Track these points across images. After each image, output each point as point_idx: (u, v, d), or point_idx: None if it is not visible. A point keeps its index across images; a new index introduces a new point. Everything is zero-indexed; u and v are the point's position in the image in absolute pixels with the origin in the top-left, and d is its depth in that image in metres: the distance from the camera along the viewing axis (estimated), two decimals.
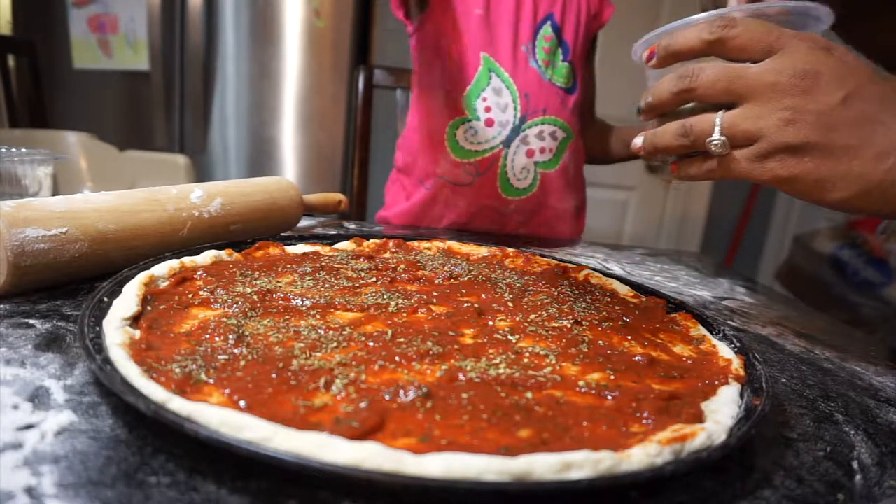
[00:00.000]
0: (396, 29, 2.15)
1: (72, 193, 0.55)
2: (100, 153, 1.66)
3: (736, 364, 0.44)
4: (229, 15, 1.88)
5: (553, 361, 0.42)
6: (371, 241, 0.68)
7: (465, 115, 0.99)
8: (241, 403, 0.33)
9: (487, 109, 0.99)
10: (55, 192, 0.83)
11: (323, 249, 0.64)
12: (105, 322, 0.40)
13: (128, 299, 0.43)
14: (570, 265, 0.66)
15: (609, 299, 0.58)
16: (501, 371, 0.39)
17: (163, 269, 0.50)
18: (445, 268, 0.62)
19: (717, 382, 0.41)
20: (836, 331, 0.62)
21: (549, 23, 1.01)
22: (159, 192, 0.59)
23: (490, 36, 0.99)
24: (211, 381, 0.35)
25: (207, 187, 0.63)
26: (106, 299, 0.43)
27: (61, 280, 0.51)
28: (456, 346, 0.43)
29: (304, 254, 0.62)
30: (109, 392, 0.33)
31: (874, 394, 0.47)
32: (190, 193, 0.61)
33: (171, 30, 1.89)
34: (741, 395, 0.40)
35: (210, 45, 1.90)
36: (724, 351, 0.47)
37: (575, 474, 0.28)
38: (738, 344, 0.47)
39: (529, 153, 1.01)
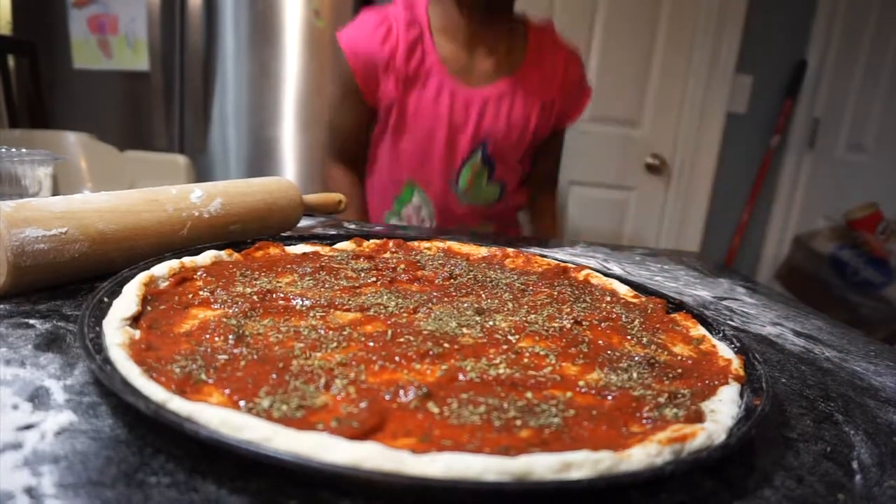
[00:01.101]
0: None
1: (72, 194, 0.55)
2: (100, 153, 1.66)
3: (736, 364, 0.44)
4: (229, 15, 1.88)
5: (553, 361, 0.42)
6: (371, 241, 0.68)
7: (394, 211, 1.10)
8: (241, 403, 0.33)
9: (409, 218, 1.09)
10: (55, 193, 0.83)
11: (323, 249, 0.64)
12: (105, 322, 0.40)
13: (128, 299, 0.43)
14: (571, 265, 0.66)
15: (609, 299, 0.58)
16: (501, 371, 0.39)
17: (163, 269, 0.50)
18: (445, 268, 0.62)
19: (717, 382, 0.41)
20: (836, 331, 0.62)
21: (479, 153, 1.02)
22: (159, 193, 0.59)
23: (419, 165, 1.04)
24: (211, 381, 0.35)
25: (207, 187, 0.63)
26: (106, 299, 0.43)
27: (61, 280, 0.51)
28: (456, 346, 0.43)
29: (304, 254, 0.62)
30: (109, 392, 0.33)
31: (874, 394, 0.47)
32: (190, 193, 0.61)
33: (171, 30, 1.89)
34: (741, 395, 0.40)
35: (210, 46, 1.90)
36: (724, 351, 0.47)
37: (575, 474, 0.28)
38: (737, 344, 0.47)
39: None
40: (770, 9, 2.22)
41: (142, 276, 0.47)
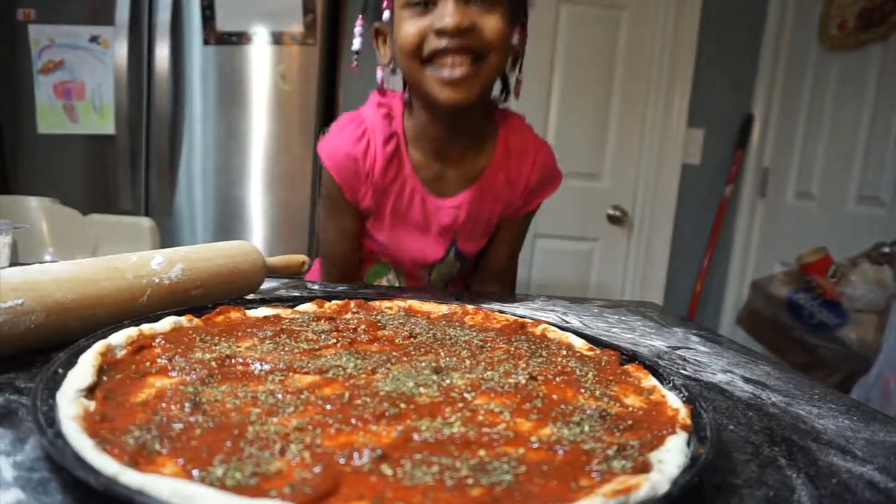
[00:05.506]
0: (361, 92, 2.22)
1: (34, 259, 0.55)
2: (62, 218, 1.65)
3: (683, 413, 0.45)
4: (196, 78, 1.92)
5: (507, 418, 0.43)
6: (333, 302, 0.69)
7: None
8: (195, 473, 0.33)
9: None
10: (15, 260, 0.82)
11: (284, 312, 0.65)
12: (59, 394, 0.40)
13: (83, 370, 0.43)
14: (528, 320, 0.68)
15: (565, 353, 0.59)
16: (456, 430, 0.40)
17: (120, 337, 0.50)
18: (406, 327, 0.63)
19: (665, 432, 0.43)
20: (784, 376, 0.65)
21: (451, 252, 1.04)
22: (119, 260, 0.60)
23: (393, 257, 1.06)
24: (165, 451, 0.35)
25: (168, 253, 0.64)
26: (61, 371, 0.43)
27: (16, 351, 0.50)
28: (412, 406, 0.43)
29: (266, 317, 0.63)
30: (60, 467, 0.33)
31: (816, 436, 0.49)
32: (150, 260, 0.61)
33: (138, 94, 1.92)
34: (688, 444, 0.42)
35: (177, 108, 1.93)
36: (673, 400, 0.48)
37: None
38: (686, 393, 0.49)
39: None
40: (716, 66, 2.36)
41: (98, 346, 0.47)
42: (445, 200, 0.99)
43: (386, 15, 0.88)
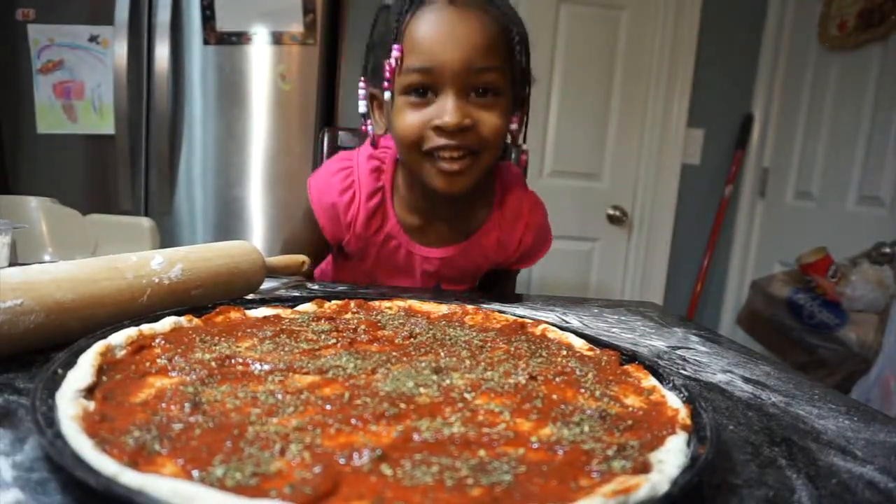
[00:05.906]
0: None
1: (33, 259, 0.55)
2: (62, 218, 1.65)
3: (683, 413, 0.45)
4: (196, 79, 1.92)
5: (507, 418, 0.43)
6: (332, 302, 0.69)
7: None
8: (194, 473, 0.33)
9: None
10: (14, 260, 0.82)
11: (284, 312, 0.65)
12: (58, 394, 0.40)
13: (83, 370, 0.43)
14: (528, 320, 0.68)
15: (565, 353, 0.59)
16: (456, 430, 0.40)
17: (120, 337, 0.50)
18: (405, 327, 0.63)
19: (665, 432, 0.43)
20: (784, 376, 0.65)
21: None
22: (119, 260, 0.60)
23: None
24: (164, 451, 0.35)
25: (168, 254, 0.64)
26: (60, 371, 0.43)
27: (16, 351, 0.50)
28: (412, 406, 0.43)
29: (265, 317, 0.63)
30: (59, 467, 0.33)
31: (816, 437, 0.49)
32: (150, 260, 0.61)
33: (137, 94, 1.92)
34: (688, 444, 0.42)
35: (176, 108, 1.93)
36: (673, 401, 0.48)
37: None
38: (686, 393, 0.49)
39: None
40: (716, 66, 2.36)
41: (98, 346, 0.47)
42: (432, 250, 0.99)
43: (387, 95, 0.86)
